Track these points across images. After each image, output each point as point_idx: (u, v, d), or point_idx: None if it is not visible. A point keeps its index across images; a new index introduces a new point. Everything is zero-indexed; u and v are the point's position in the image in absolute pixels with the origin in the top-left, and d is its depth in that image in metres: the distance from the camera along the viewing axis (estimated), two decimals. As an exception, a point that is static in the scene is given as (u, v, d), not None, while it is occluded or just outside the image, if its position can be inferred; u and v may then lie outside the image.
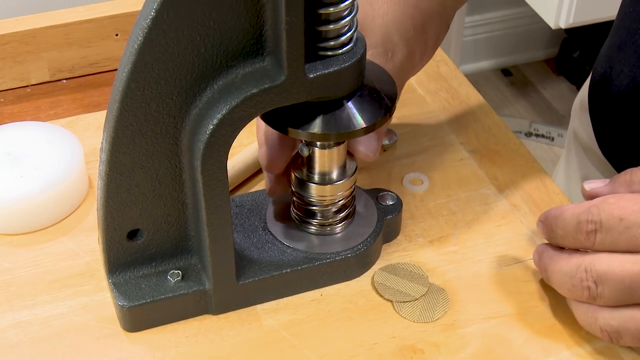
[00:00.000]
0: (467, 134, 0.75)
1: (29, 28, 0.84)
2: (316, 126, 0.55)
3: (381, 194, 0.66)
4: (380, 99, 0.56)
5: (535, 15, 1.93)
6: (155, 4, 0.48)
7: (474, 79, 2.26)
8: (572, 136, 1.01)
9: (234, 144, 0.53)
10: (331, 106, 0.56)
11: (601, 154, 0.90)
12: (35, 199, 0.66)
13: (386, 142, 0.74)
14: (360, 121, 0.55)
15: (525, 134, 2.13)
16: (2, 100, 0.86)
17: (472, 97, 0.80)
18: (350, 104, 0.56)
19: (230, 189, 0.70)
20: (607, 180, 0.59)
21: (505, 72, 2.35)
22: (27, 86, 0.88)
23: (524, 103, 2.25)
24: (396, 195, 0.66)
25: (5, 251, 0.65)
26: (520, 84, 2.31)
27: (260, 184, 0.72)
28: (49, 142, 0.69)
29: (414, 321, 0.60)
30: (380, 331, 0.60)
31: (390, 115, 0.57)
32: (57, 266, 0.64)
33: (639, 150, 0.81)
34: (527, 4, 1.92)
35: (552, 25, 1.86)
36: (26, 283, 0.63)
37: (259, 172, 0.73)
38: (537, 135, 2.13)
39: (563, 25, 1.85)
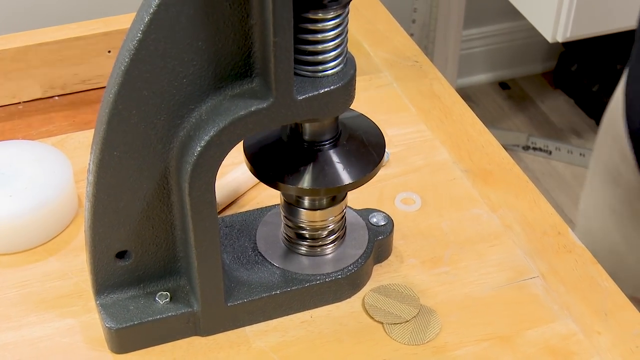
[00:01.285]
0: (460, 153, 0.75)
1: (20, 45, 0.84)
2: (305, 179, 0.56)
3: (372, 214, 0.66)
4: (369, 154, 0.57)
5: (532, 28, 1.93)
6: (142, 25, 0.48)
7: (472, 92, 2.27)
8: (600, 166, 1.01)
9: (224, 162, 0.53)
10: (321, 159, 0.57)
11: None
12: (23, 219, 0.66)
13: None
14: (347, 178, 0.56)
15: (523, 148, 2.14)
16: (1, 114, 0.86)
17: (465, 115, 0.80)
18: (338, 159, 0.57)
19: (219, 209, 0.70)
20: None
21: (503, 85, 2.36)
22: (19, 103, 0.88)
23: (521, 116, 2.25)
24: (387, 215, 0.66)
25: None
26: (518, 98, 2.31)
27: (251, 204, 0.72)
28: (39, 161, 0.69)
29: (405, 343, 0.60)
30: (370, 354, 0.60)
31: (379, 166, 0.58)
32: (45, 287, 0.64)
33: None
34: (524, 18, 1.93)
35: (549, 39, 1.86)
36: (14, 304, 0.63)
37: (248, 191, 0.73)
38: (534, 149, 2.13)
39: (560, 39, 1.85)
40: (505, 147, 2.24)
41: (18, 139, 0.78)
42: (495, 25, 2.29)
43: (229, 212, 0.70)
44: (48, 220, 0.67)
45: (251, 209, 0.69)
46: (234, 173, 0.72)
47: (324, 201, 0.61)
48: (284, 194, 0.62)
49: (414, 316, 0.61)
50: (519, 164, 2.00)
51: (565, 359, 0.59)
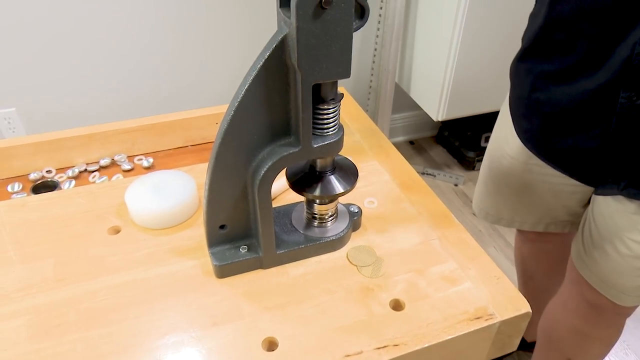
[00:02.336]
0: (395, 176, 0.76)
1: (174, 119, 0.86)
2: (317, 190, 0.58)
3: (351, 206, 0.67)
4: (350, 177, 0.59)
5: (425, 113, 1.97)
6: (232, 109, 0.50)
7: (394, 146, 2.30)
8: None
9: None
10: (325, 180, 0.59)
11: None
12: (170, 211, 0.67)
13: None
14: (340, 189, 0.58)
15: (422, 173, 2.19)
16: (160, 155, 0.87)
17: (397, 156, 0.80)
18: (334, 179, 0.58)
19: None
20: None
21: (411, 142, 2.40)
22: (170, 149, 0.89)
23: (420, 158, 2.29)
24: (359, 206, 0.67)
25: (152, 238, 0.66)
26: (419, 149, 2.36)
27: (287, 200, 0.72)
28: (178, 181, 0.70)
29: (367, 277, 0.61)
30: (350, 279, 0.61)
31: (355, 184, 0.60)
32: (182, 244, 0.65)
33: None
34: (420, 107, 1.98)
35: (434, 119, 1.89)
36: (164, 252, 0.64)
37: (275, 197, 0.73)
38: (427, 174, 2.19)
39: (440, 119, 1.88)
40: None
41: (169, 169, 0.79)
42: (406, 112, 2.33)
43: (279, 203, 0.70)
44: (183, 211, 0.68)
45: (287, 203, 0.69)
46: (279, 183, 0.72)
47: (326, 201, 0.62)
48: (306, 197, 0.62)
49: (373, 262, 0.62)
50: None
51: (451, 282, 0.60)
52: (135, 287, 0.59)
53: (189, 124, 0.88)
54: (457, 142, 2.23)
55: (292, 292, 0.59)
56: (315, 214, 0.63)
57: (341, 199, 0.69)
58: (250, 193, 0.56)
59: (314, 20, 0.44)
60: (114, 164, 0.89)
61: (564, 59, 0.72)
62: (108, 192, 0.72)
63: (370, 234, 0.66)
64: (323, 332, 0.54)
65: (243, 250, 0.60)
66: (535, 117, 0.80)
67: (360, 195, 0.72)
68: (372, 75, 2.04)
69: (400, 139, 2.39)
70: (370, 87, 2.07)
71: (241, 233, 0.60)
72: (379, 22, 1.91)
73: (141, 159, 0.89)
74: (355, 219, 0.66)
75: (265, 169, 0.53)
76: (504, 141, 0.92)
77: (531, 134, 0.84)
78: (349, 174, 0.60)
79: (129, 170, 0.87)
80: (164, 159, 0.89)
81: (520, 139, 0.87)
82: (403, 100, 2.17)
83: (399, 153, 0.81)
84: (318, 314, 0.56)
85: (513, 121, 0.88)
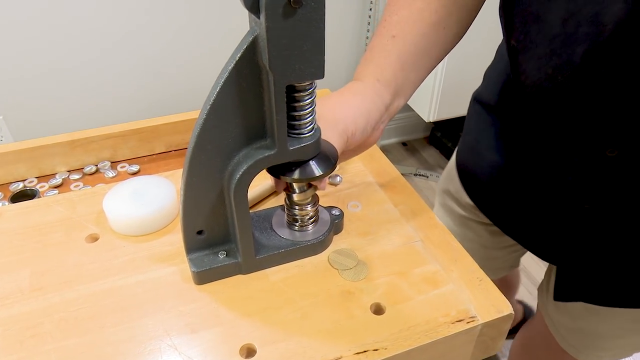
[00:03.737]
0: (379, 178, 0.76)
1: (156, 124, 0.85)
2: (296, 174, 0.54)
3: (333, 209, 0.66)
4: (329, 160, 0.56)
5: (417, 115, 1.97)
6: (205, 112, 0.49)
7: (387, 147, 2.30)
8: (442, 191, 0.98)
9: (254, 182, 0.53)
10: (304, 164, 0.55)
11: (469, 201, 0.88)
12: (150, 217, 0.66)
13: (337, 180, 0.74)
14: (319, 171, 0.55)
15: (414, 175, 2.19)
16: (145, 160, 0.86)
17: (382, 159, 0.80)
18: (313, 163, 0.55)
19: (251, 205, 0.69)
20: None
21: (404, 143, 2.40)
22: (153, 154, 0.88)
23: (412, 159, 2.29)
24: (340, 209, 0.66)
25: (131, 244, 0.66)
26: (411, 150, 2.36)
27: (269, 204, 0.71)
28: (158, 186, 0.69)
29: (349, 280, 0.60)
30: (331, 283, 0.60)
31: (334, 168, 0.56)
32: (162, 250, 0.64)
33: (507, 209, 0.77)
34: (412, 109, 1.97)
35: (426, 120, 1.88)
36: (143, 259, 0.63)
37: (267, 197, 0.73)
38: (420, 175, 2.19)
39: (431, 120, 1.87)
40: (404, 174, 2.21)
41: (153, 174, 0.78)
42: (399, 113, 2.33)
43: (259, 208, 0.69)
44: (162, 217, 0.67)
45: (269, 207, 0.68)
46: (259, 188, 0.72)
47: (305, 188, 0.60)
48: (287, 201, 0.61)
49: (354, 265, 0.61)
50: (410, 183, 1.97)
51: (433, 284, 0.59)
52: (113, 295, 0.58)
53: (173, 129, 0.88)
54: (449, 143, 2.24)
55: (271, 297, 0.58)
56: (296, 217, 0.62)
57: (323, 202, 0.68)
58: (227, 198, 0.55)
59: (284, 20, 0.43)
60: (98, 171, 0.88)
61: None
62: (87, 200, 0.71)
63: (353, 236, 0.65)
64: (302, 338, 0.53)
65: (222, 255, 0.59)
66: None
67: (344, 197, 0.71)
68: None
69: (392, 140, 2.39)
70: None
71: (220, 238, 0.59)
72: (368, 23, 1.91)
73: (124, 167, 0.88)
74: (337, 222, 0.65)
75: (240, 173, 0.52)
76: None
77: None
78: (328, 156, 0.57)
79: (113, 178, 0.86)
80: (148, 164, 0.88)
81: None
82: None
83: (383, 154, 0.80)
84: (297, 319, 0.55)
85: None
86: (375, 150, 0.80)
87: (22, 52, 1.64)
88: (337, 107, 0.59)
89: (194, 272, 0.58)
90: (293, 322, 0.55)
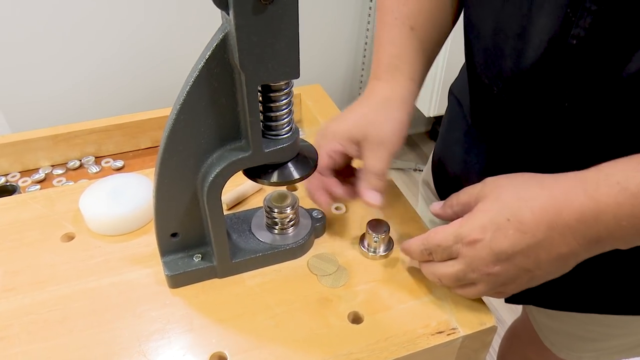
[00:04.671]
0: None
1: (139, 119, 0.83)
2: (273, 177, 0.52)
3: (314, 211, 0.64)
4: (307, 163, 0.53)
5: (417, 109, 1.95)
6: (176, 111, 0.47)
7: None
8: (423, 182, 0.96)
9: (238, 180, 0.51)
10: (281, 167, 0.53)
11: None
12: (127, 216, 0.64)
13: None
14: (296, 175, 0.53)
15: (414, 170, 2.18)
16: (129, 156, 0.84)
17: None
18: (291, 166, 0.53)
19: (233, 205, 0.68)
20: (442, 203, 0.56)
21: None
22: (138, 150, 0.87)
23: (413, 154, 2.27)
24: (322, 211, 0.64)
25: (107, 244, 0.64)
26: (412, 144, 2.34)
27: (248, 205, 0.69)
28: (137, 185, 0.68)
29: (328, 286, 0.58)
30: (309, 289, 0.58)
31: (313, 171, 0.54)
32: (138, 251, 0.63)
33: None
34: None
35: (425, 114, 1.86)
36: (118, 260, 0.62)
37: (251, 196, 0.70)
38: (419, 170, 2.18)
39: (431, 114, 1.85)
40: (403, 169, 2.19)
41: (137, 171, 0.76)
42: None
43: (239, 209, 0.67)
44: (139, 217, 0.65)
45: (249, 208, 0.66)
46: (242, 187, 0.70)
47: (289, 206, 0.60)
48: (266, 206, 0.59)
49: (334, 271, 0.59)
50: (411, 179, 1.92)
51: (414, 293, 0.57)
52: (85, 297, 0.56)
53: (158, 124, 0.86)
54: (452, 139, 2.22)
55: (247, 303, 0.56)
56: (276, 220, 0.60)
57: (305, 204, 0.66)
58: (201, 200, 0.53)
59: (254, 16, 0.41)
60: (82, 166, 0.86)
61: None
62: (66, 197, 0.69)
63: (335, 240, 0.63)
64: (275, 347, 0.51)
65: (197, 259, 0.57)
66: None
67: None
68: (362, 70, 2.01)
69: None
70: (362, 82, 2.03)
71: (195, 241, 0.58)
72: (369, 15, 1.88)
73: (109, 162, 0.86)
74: (318, 225, 0.63)
75: (213, 175, 0.50)
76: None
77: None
78: (307, 158, 0.55)
79: (96, 173, 0.84)
80: (133, 159, 0.86)
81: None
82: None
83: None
84: (272, 327, 0.53)
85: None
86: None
87: (17, 42, 1.63)
88: (385, 125, 0.57)
89: (167, 275, 0.56)
90: (267, 330, 0.53)
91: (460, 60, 0.71)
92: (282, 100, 0.49)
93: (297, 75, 0.46)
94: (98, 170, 0.84)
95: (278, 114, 0.49)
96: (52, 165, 0.85)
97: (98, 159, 0.87)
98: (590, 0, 0.43)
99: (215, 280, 0.58)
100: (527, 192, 0.46)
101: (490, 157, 0.64)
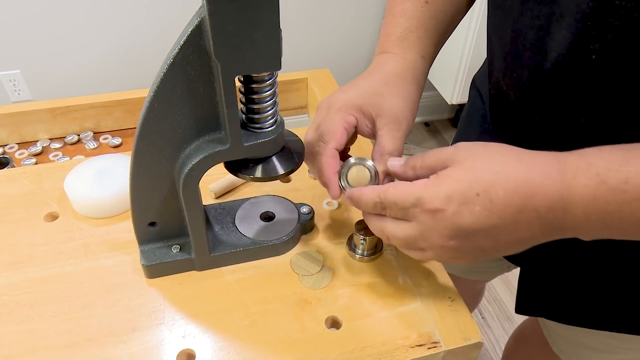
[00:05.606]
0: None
1: (140, 96, 0.80)
2: (254, 171, 0.49)
3: (302, 206, 0.61)
4: (292, 158, 0.50)
5: (440, 95, 1.90)
6: (150, 98, 0.45)
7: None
8: None
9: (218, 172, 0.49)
10: (265, 161, 0.50)
11: None
12: (111, 199, 0.63)
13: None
14: (281, 170, 0.50)
15: None
16: (129, 133, 0.83)
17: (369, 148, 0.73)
18: (275, 160, 0.50)
19: (223, 193, 0.65)
20: (403, 160, 0.49)
21: (426, 124, 2.33)
22: (128, 129, 0.85)
23: (434, 141, 2.23)
24: (311, 207, 0.62)
25: (89, 227, 0.62)
26: (434, 131, 2.28)
27: (239, 195, 0.66)
28: (125, 167, 0.66)
29: (308, 287, 0.55)
30: (289, 289, 0.56)
31: (299, 166, 0.51)
32: (120, 236, 0.61)
33: None
34: (435, 89, 1.90)
35: (449, 101, 1.81)
36: (98, 244, 0.60)
37: (240, 186, 0.68)
38: None
39: (455, 102, 1.80)
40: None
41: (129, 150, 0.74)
42: (424, 92, 2.26)
43: (228, 198, 0.65)
44: (125, 200, 0.63)
45: (236, 199, 0.63)
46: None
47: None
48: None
49: (317, 272, 0.56)
50: None
51: (399, 300, 0.54)
52: (60, 281, 0.55)
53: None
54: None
55: (223, 299, 0.54)
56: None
57: (296, 197, 0.64)
58: (178, 190, 0.51)
59: (230, 2, 0.38)
60: (80, 141, 0.85)
61: None
62: (55, 174, 0.68)
63: (323, 237, 0.61)
64: (245, 349, 0.49)
65: (175, 250, 0.55)
66: None
67: (321, 193, 0.66)
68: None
69: (415, 120, 2.32)
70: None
71: (174, 231, 0.55)
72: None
73: (107, 138, 0.85)
74: (306, 221, 0.60)
75: (188, 167, 0.47)
76: None
77: None
78: (293, 154, 0.52)
79: (94, 149, 0.83)
80: (132, 137, 0.84)
81: None
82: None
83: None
84: (245, 327, 0.51)
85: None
86: (364, 141, 0.75)
87: (40, 7, 1.62)
88: (399, 101, 0.52)
89: (143, 265, 0.54)
90: (240, 330, 0.51)
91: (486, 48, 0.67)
92: (265, 92, 0.46)
93: (278, 67, 0.43)
94: (95, 146, 0.83)
95: (260, 106, 0.46)
96: (51, 139, 0.84)
97: (97, 135, 0.85)
98: (614, 16, 0.40)
99: (194, 273, 0.56)
100: (503, 165, 0.41)
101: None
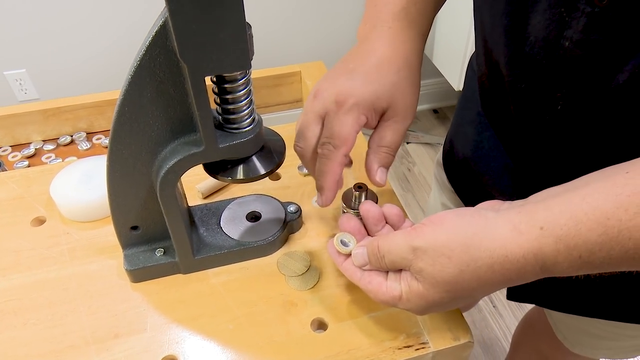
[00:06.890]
0: (357, 169, 0.68)
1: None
2: (230, 173, 0.48)
3: (290, 205, 0.60)
4: (272, 157, 0.49)
5: (447, 82, 1.86)
6: (120, 101, 0.44)
7: (416, 114, 2.23)
8: (436, 177, 0.89)
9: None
10: (245, 162, 0.49)
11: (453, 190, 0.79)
12: (96, 202, 0.62)
13: (305, 170, 0.67)
14: (261, 170, 0.48)
15: (439, 143, 2.10)
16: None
17: (361, 144, 0.72)
18: (255, 160, 0.48)
19: (207, 195, 0.64)
20: (364, 253, 0.45)
21: (435, 110, 2.29)
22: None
23: (443, 128, 2.19)
24: (299, 206, 0.60)
25: (76, 231, 0.62)
26: (443, 118, 2.25)
27: (227, 194, 0.65)
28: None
29: (295, 288, 0.54)
30: (274, 291, 0.55)
31: (279, 166, 0.50)
32: (106, 240, 0.61)
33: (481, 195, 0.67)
34: (442, 75, 1.86)
35: (455, 88, 1.79)
36: (83, 248, 0.60)
37: (220, 190, 0.66)
38: None
39: (461, 88, 1.77)
40: (431, 144, 2.12)
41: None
42: (431, 79, 2.22)
43: (216, 198, 0.64)
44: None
45: (220, 199, 0.62)
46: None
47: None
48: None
49: (303, 273, 0.55)
50: (435, 154, 1.81)
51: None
52: (44, 287, 0.55)
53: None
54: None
55: (207, 302, 0.53)
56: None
57: (283, 195, 0.62)
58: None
59: (191, 2, 0.36)
60: (73, 142, 0.84)
61: None
62: (44, 177, 0.67)
63: (311, 237, 0.59)
64: (229, 354, 0.48)
65: (159, 253, 0.54)
66: None
67: (310, 191, 0.65)
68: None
69: (424, 107, 2.28)
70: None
71: (158, 234, 0.54)
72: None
73: (100, 138, 0.84)
74: (292, 220, 0.59)
75: (164, 171, 0.46)
76: None
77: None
78: (273, 154, 0.50)
79: (87, 150, 0.82)
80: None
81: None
82: (426, 67, 2.05)
83: (365, 140, 0.72)
84: (229, 331, 0.50)
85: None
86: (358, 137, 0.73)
87: (47, 7, 1.62)
88: (411, 95, 0.50)
89: (127, 269, 0.54)
90: (224, 334, 0.50)
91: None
92: (238, 92, 0.44)
93: (247, 67, 0.41)
94: (88, 147, 0.82)
95: (235, 106, 0.45)
96: (44, 140, 0.84)
97: (90, 135, 0.85)
98: (585, 2, 0.38)
99: (179, 276, 0.55)
100: (469, 266, 0.38)
101: (499, 144, 0.59)
